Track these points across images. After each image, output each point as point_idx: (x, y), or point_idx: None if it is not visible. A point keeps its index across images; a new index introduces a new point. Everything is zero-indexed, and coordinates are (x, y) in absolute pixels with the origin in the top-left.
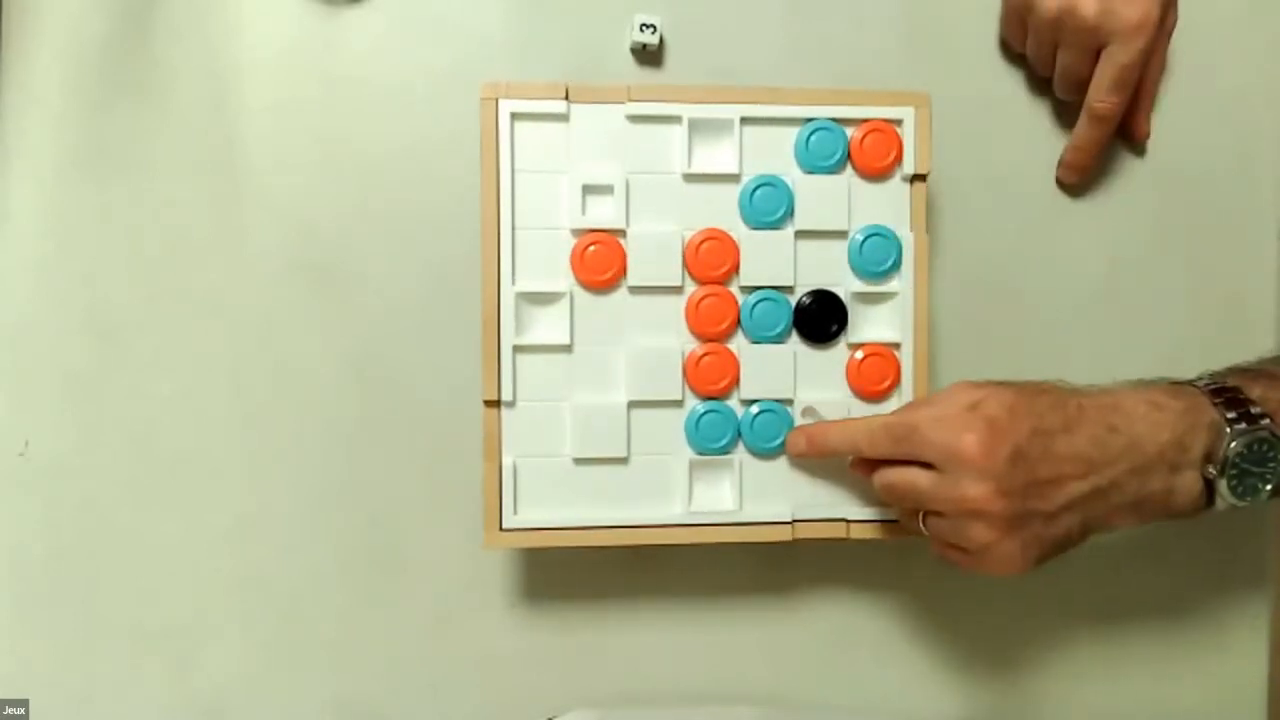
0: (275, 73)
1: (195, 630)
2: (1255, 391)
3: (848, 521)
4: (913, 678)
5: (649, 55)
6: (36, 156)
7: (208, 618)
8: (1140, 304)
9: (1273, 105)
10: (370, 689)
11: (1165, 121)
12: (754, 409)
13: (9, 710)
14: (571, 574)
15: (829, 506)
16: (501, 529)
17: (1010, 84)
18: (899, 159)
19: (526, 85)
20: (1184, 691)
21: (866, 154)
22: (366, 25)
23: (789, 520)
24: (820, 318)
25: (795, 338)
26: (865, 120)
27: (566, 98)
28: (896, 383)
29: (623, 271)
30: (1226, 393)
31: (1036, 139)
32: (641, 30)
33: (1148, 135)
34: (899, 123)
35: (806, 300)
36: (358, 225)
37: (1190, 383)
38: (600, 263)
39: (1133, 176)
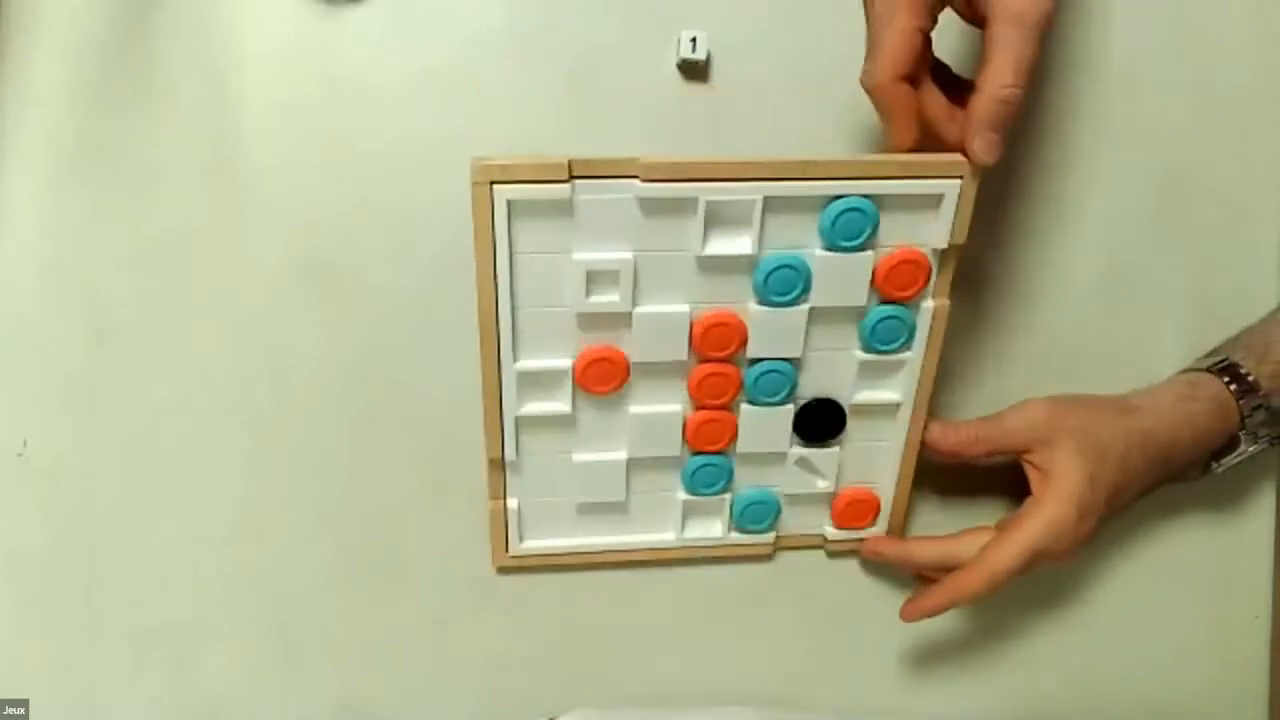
0: (275, 72)
1: (195, 630)
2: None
3: (825, 539)
4: (912, 678)
5: (694, 70)
6: (36, 156)
7: (208, 618)
8: (1140, 304)
9: (1273, 105)
10: (370, 689)
11: (1165, 121)
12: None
13: (9, 710)
14: (571, 574)
15: (809, 525)
16: (508, 554)
17: None
18: (924, 287)
19: (523, 165)
20: (1184, 691)
21: (891, 281)
22: (366, 25)
23: (770, 542)
24: (820, 423)
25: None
26: (901, 195)
27: (570, 174)
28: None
29: (625, 379)
30: (1242, 387)
31: (1036, 139)
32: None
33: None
34: (939, 199)
35: (808, 405)
36: (358, 225)
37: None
38: (603, 376)
39: (1133, 176)
